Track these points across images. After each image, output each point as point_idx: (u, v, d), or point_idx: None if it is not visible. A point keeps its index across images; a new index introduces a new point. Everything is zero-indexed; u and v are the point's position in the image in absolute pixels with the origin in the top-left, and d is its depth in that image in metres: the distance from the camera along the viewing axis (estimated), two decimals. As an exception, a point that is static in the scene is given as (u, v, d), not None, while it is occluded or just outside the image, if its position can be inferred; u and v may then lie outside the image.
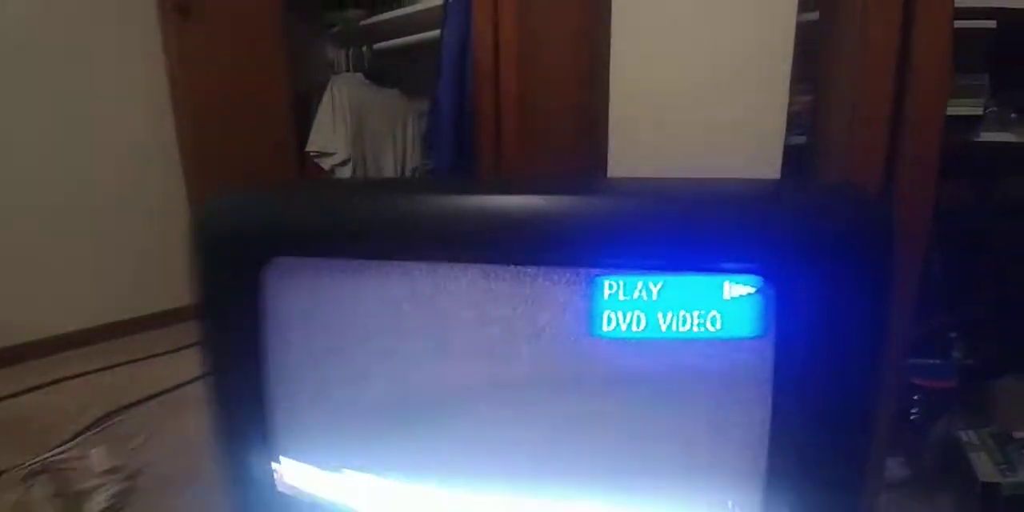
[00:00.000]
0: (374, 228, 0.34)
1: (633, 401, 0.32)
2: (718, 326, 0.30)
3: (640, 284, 0.30)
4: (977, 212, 0.98)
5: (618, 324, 0.31)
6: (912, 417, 0.86)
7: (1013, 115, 1.24)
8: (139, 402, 1.31)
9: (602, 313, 0.31)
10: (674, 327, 0.30)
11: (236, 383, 0.37)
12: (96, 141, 1.67)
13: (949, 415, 0.86)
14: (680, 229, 0.29)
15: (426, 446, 0.37)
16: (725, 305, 0.30)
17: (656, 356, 0.30)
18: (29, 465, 1.02)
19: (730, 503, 0.30)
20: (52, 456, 1.05)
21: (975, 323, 0.90)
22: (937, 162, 0.64)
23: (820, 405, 0.27)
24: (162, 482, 0.99)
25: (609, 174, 0.89)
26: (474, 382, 0.35)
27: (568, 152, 1.05)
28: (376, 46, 2.16)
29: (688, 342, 0.30)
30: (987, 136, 1.23)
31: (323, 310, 0.35)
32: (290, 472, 0.40)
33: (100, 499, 0.91)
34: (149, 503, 0.93)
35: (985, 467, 0.82)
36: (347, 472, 0.38)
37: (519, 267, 0.31)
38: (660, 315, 0.30)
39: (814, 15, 1.00)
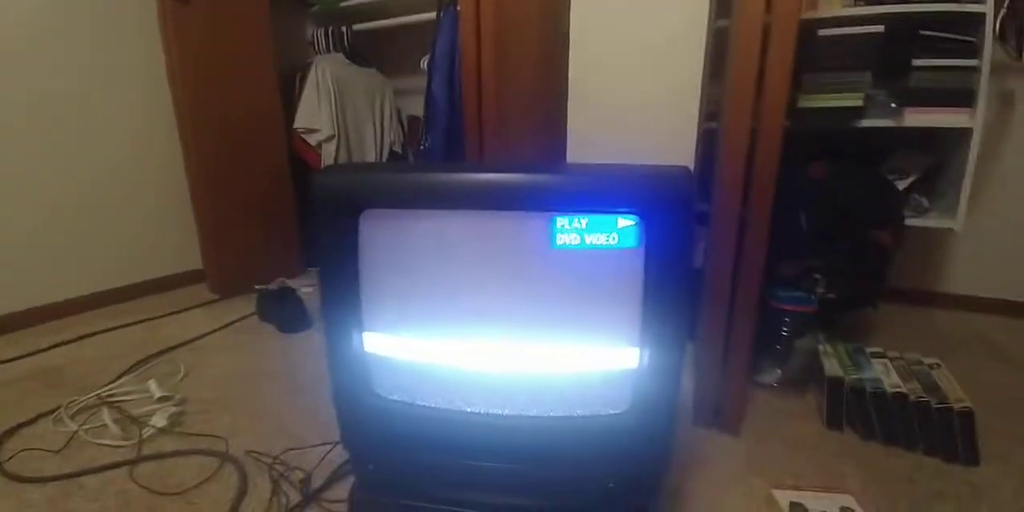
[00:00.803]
0: (423, 190, 0.59)
1: (573, 281, 0.59)
2: (615, 241, 0.57)
3: (576, 220, 0.57)
4: (841, 182, 1.28)
5: (565, 241, 0.57)
6: (783, 334, 1.16)
7: (892, 105, 1.54)
8: (168, 350, 1.51)
9: (556, 235, 0.57)
10: (594, 242, 0.57)
11: (340, 285, 0.62)
12: (105, 115, 1.80)
13: (811, 333, 1.17)
14: (596, 192, 0.56)
15: (454, 315, 0.63)
16: (619, 231, 0.56)
17: (585, 258, 0.58)
18: (84, 400, 1.22)
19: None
20: (103, 392, 1.25)
21: (834, 268, 1.20)
22: (778, 149, 0.90)
23: (665, 276, 0.55)
24: (207, 407, 1.20)
25: (567, 155, 1.14)
26: (486, 275, 0.61)
27: (532, 134, 1.30)
28: (355, 27, 2.28)
29: (601, 250, 0.57)
30: (869, 122, 1.53)
31: (394, 241, 0.61)
32: (372, 340, 0.66)
33: (159, 419, 1.12)
34: (199, 423, 1.14)
35: (834, 368, 1.12)
36: (404, 336, 0.64)
37: (512, 212, 0.57)
38: (587, 236, 0.57)
39: (725, 22, 1.24)
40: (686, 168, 0.56)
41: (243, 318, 1.75)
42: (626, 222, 0.56)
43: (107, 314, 1.79)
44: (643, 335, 0.59)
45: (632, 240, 0.57)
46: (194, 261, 2.07)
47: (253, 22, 1.97)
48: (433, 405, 0.67)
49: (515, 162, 0.74)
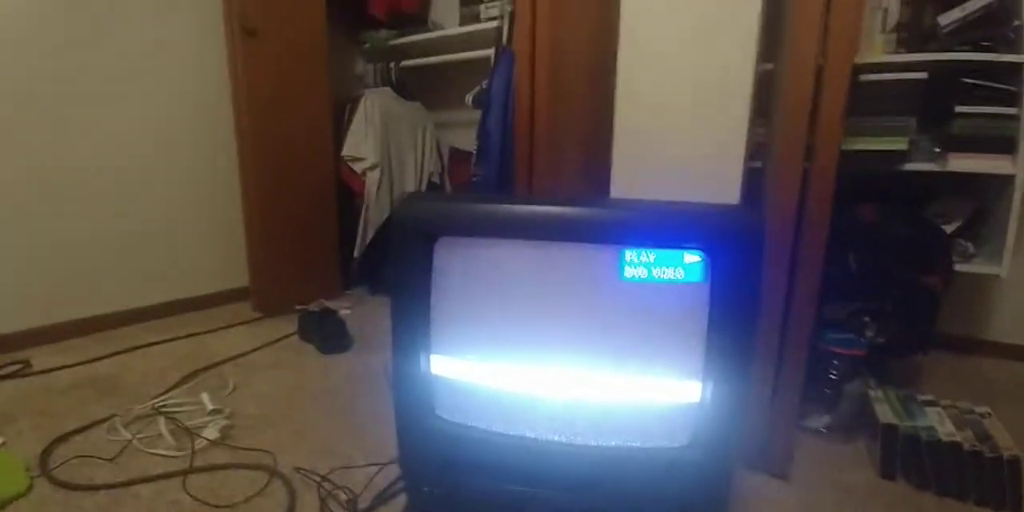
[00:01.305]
0: (497, 220, 0.63)
1: (639, 313, 0.61)
2: (682, 276, 0.59)
3: (644, 254, 0.59)
4: (890, 225, 1.28)
5: (633, 274, 0.60)
6: (832, 377, 1.15)
7: (936, 150, 1.55)
8: (216, 364, 1.56)
9: (624, 268, 0.60)
10: (661, 276, 0.59)
11: (411, 308, 0.65)
12: (170, 138, 1.91)
13: (861, 377, 1.16)
14: (663, 228, 0.59)
15: (520, 342, 0.66)
16: (686, 266, 0.59)
17: (652, 291, 0.60)
18: (140, 407, 1.27)
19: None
20: (157, 402, 1.30)
21: (884, 311, 1.19)
22: (831, 190, 0.92)
23: (730, 313, 0.57)
24: (254, 422, 1.24)
25: (612, 190, 1.18)
26: (554, 304, 0.64)
27: (579, 170, 1.34)
28: (402, 64, 2.41)
29: (668, 284, 0.59)
30: (913, 166, 1.54)
31: (467, 267, 0.65)
32: (437, 362, 0.68)
33: (211, 432, 1.16)
34: (248, 437, 1.17)
35: (887, 415, 1.10)
36: (470, 360, 0.67)
37: (584, 244, 0.60)
38: (654, 270, 0.59)
39: (770, 66, 1.29)
40: (756, 208, 0.58)
41: (285, 337, 1.80)
42: (692, 258, 0.58)
43: (156, 327, 1.86)
44: (706, 370, 0.61)
45: (698, 275, 0.59)
46: (238, 280, 2.14)
47: (312, 57, 2.10)
48: (494, 429, 0.69)
49: (584, 196, 0.78)
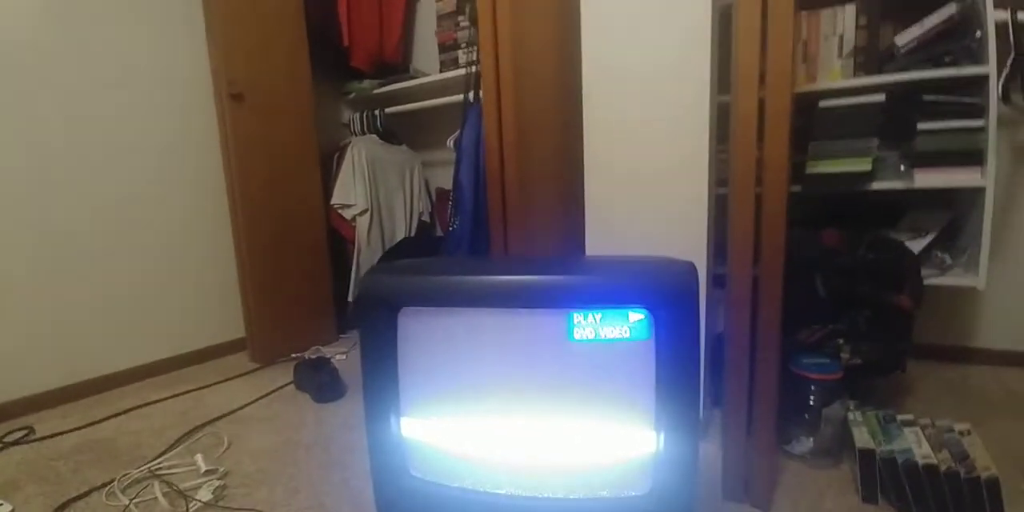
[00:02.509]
0: (452, 292, 0.66)
1: (591, 370, 0.64)
2: (628, 334, 0.62)
3: (590, 315, 0.63)
4: (855, 249, 1.32)
5: (582, 335, 0.63)
6: (811, 403, 1.16)
7: (902, 167, 1.59)
8: (212, 421, 1.58)
9: (573, 329, 0.63)
10: (607, 335, 0.63)
11: (381, 374, 0.69)
12: (160, 192, 1.98)
13: (839, 401, 1.17)
14: (608, 290, 0.62)
15: (482, 403, 0.68)
16: (631, 324, 0.62)
17: (600, 349, 0.63)
18: (137, 471, 1.29)
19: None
20: (153, 465, 1.31)
21: (856, 332, 1.22)
22: (783, 212, 0.95)
23: (676, 365, 0.60)
24: (247, 480, 1.25)
25: (587, 239, 1.22)
26: (511, 366, 0.67)
27: (553, 211, 1.40)
28: (387, 110, 2.50)
29: (614, 342, 0.63)
30: (880, 185, 1.58)
31: (428, 335, 0.68)
32: (408, 424, 0.71)
33: (206, 493, 1.17)
34: (240, 496, 1.19)
35: (864, 439, 1.11)
36: (438, 421, 0.70)
37: (532, 309, 0.64)
38: (601, 330, 0.63)
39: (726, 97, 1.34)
40: (691, 264, 0.62)
41: (280, 387, 1.82)
42: (637, 316, 0.62)
43: (153, 385, 1.89)
44: (658, 420, 0.64)
45: (643, 332, 0.63)
46: (234, 331, 2.18)
47: (299, 112, 2.18)
48: (465, 486, 0.71)
49: (535, 261, 0.82)
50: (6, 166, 1.63)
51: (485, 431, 0.70)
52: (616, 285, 0.62)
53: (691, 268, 0.62)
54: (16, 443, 1.49)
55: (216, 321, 2.16)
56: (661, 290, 0.60)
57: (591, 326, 0.62)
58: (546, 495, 0.68)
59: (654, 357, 0.61)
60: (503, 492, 0.69)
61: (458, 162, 1.52)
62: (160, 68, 1.95)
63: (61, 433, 1.54)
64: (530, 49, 1.34)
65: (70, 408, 1.72)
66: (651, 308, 0.61)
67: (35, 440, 1.51)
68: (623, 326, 0.62)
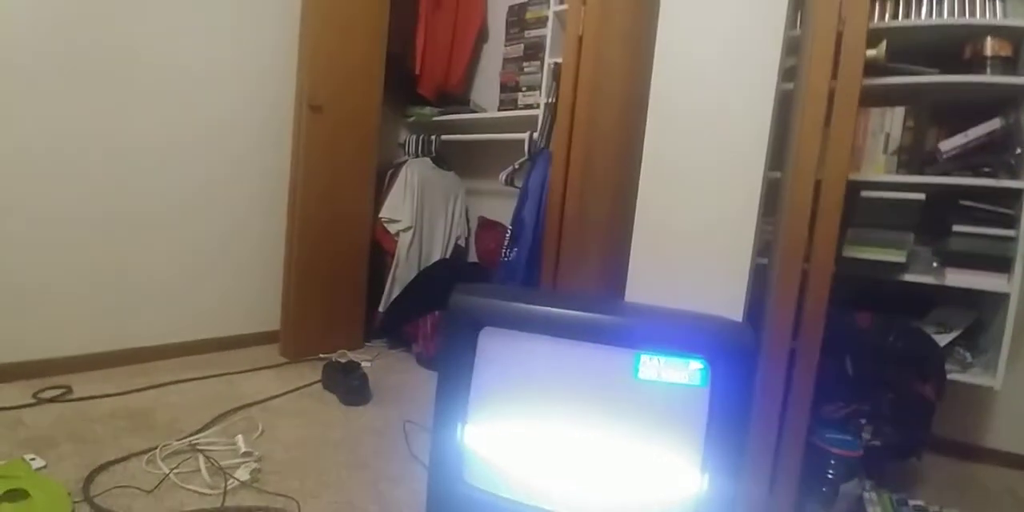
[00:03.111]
0: (533, 319, 0.76)
1: (650, 408, 0.72)
2: (686, 379, 0.71)
3: (656, 358, 0.71)
4: (886, 334, 1.39)
5: (646, 375, 0.72)
6: (829, 476, 1.21)
7: (935, 264, 1.67)
8: (245, 406, 1.65)
9: (639, 368, 0.72)
10: (669, 378, 0.71)
11: (455, 384, 0.77)
12: (228, 192, 2.13)
13: (857, 477, 1.22)
14: (675, 338, 0.71)
15: (544, 424, 0.76)
16: (691, 371, 0.71)
17: (661, 389, 0.71)
18: (177, 442, 1.36)
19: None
20: (193, 439, 1.39)
21: (879, 415, 1.27)
22: (827, 288, 1.03)
23: (727, 413, 0.68)
24: (280, 468, 1.31)
25: (628, 288, 1.31)
26: (576, 393, 0.75)
27: (599, 267, 1.50)
28: (443, 137, 2.66)
29: (675, 385, 0.71)
30: (912, 277, 1.66)
31: (505, 355, 0.77)
32: (471, 434, 0.80)
33: (243, 473, 1.24)
34: (274, 482, 1.25)
35: (877, 518, 1.16)
36: (500, 435, 0.78)
37: (605, 345, 0.73)
38: (664, 372, 0.71)
39: (777, 174, 1.44)
40: (749, 325, 0.71)
41: (309, 385, 1.90)
42: (697, 364, 0.71)
43: (189, 364, 1.98)
44: (704, 462, 0.71)
45: (700, 380, 0.71)
46: (268, 324, 2.28)
47: (365, 129, 2.34)
48: (515, 498, 0.78)
49: (611, 302, 0.91)
50: (93, 146, 1.78)
51: (543, 450, 0.77)
52: (683, 334, 0.71)
53: (749, 329, 0.70)
54: (53, 400, 1.56)
55: (254, 311, 2.27)
56: (723, 344, 0.69)
57: (655, 368, 0.71)
58: (589, 517, 0.75)
59: (707, 404, 0.69)
60: (548, 508, 0.76)
61: (522, 200, 1.64)
62: (250, 72, 2.13)
63: (99, 396, 1.62)
64: (602, 105, 1.48)
65: (108, 373, 1.80)
66: (711, 360, 0.69)
67: (73, 400, 1.59)
68: (684, 372, 0.70)
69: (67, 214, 1.76)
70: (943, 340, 1.61)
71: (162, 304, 2.00)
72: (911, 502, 1.22)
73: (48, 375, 1.71)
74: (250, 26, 2.12)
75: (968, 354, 1.65)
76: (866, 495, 1.22)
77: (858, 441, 1.25)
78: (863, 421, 1.29)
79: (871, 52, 1.52)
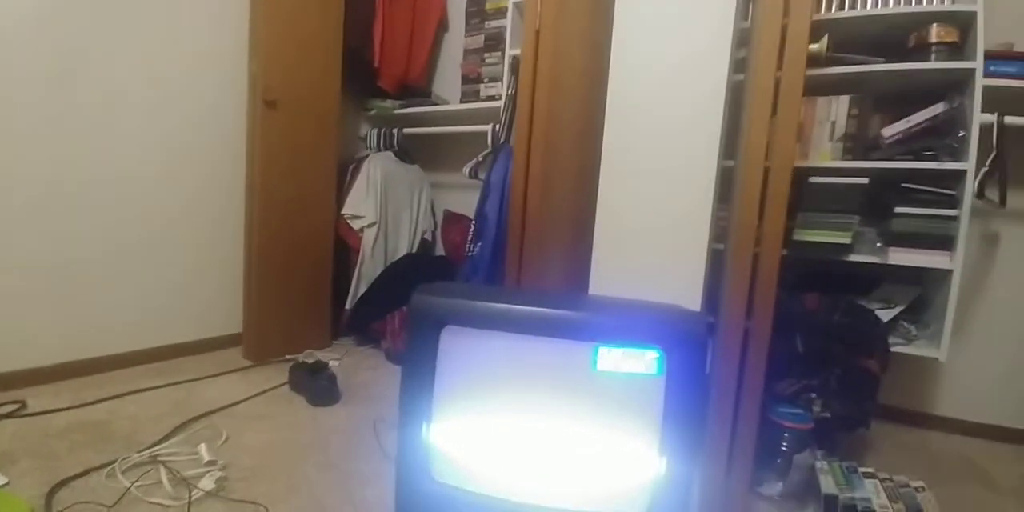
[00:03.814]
0: (493, 317, 0.77)
1: (609, 398, 0.74)
2: (644, 369, 0.73)
3: (614, 350, 0.73)
4: (831, 313, 1.46)
5: (605, 366, 0.74)
6: (783, 448, 1.27)
7: (878, 244, 1.75)
8: (207, 414, 1.62)
9: (597, 361, 0.74)
10: (627, 369, 0.73)
11: (418, 383, 0.78)
12: (178, 192, 2.06)
13: (809, 449, 1.29)
14: (631, 330, 0.73)
15: (507, 417, 0.78)
16: (647, 361, 0.73)
17: (619, 380, 0.73)
18: (137, 455, 1.32)
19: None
20: (154, 451, 1.35)
21: (828, 389, 1.34)
22: (776, 271, 1.07)
23: (682, 399, 0.70)
24: (246, 474, 1.30)
25: (592, 278, 1.34)
26: (538, 387, 0.77)
27: (562, 261, 1.52)
28: (405, 131, 2.63)
29: (633, 375, 0.73)
30: (857, 258, 1.73)
31: (466, 352, 0.78)
32: (437, 431, 0.80)
33: (207, 483, 1.22)
34: (241, 489, 1.23)
35: (829, 486, 1.22)
36: (464, 431, 0.79)
37: (564, 340, 0.74)
38: (622, 363, 0.73)
39: (731, 162, 1.48)
40: (702, 314, 0.74)
41: (275, 387, 1.87)
42: (652, 354, 0.73)
43: (148, 371, 1.92)
44: (661, 447, 0.74)
45: (656, 369, 0.73)
46: (230, 327, 2.22)
47: (324, 123, 2.29)
48: (481, 491, 0.80)
49: (568, 297, 0.92)
50: (26, 139, 1.68)
51: (507, 444, 0.79)
52: (639, 326, 0.73)
53: (701, 318, 0.73)
54: (9, 415, 1.51)
55: (214, 315, 2.21)
56: (676, 334, 0.71)
57: (614, 359, 0.73)
58: (556, 505, 0.77)
59: (663, 392, 0.72)
60: (515, 500, 0.78)
61: (484, 195, 1.64)
62: (200, 64, 2.05)
63: (54, 410, 1.56)
64: (561, 99, 1.48)
65: (63, 386, 1.74)
66: (666, 349, 0.71)
67: (28, 415, 1.53)
68: (640, 362, 0.72)
69: (10, 216, 1.67)
70: (888, 315, 1.70)
71: (116, 311, 1.93)
72: (860, 469, 1.29)
73: (1, 390, 1.64)
74: (198, 20, 2.03)
75: (913, 327, 1.74)
76: (818, 464, 1.29)
77: (809, 415, 1.32)
78: (813, 395, 1.35)
79: (814, 46, 1.56)
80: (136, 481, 1.21)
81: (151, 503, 1.15)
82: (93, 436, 1.44)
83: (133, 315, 1.98)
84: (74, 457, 1.31)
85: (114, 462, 1.28)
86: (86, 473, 1.25)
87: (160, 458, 1.32)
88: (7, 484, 1.18)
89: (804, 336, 1.35)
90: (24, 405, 1.58)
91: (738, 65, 1.38)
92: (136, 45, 1.88)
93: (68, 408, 1.59)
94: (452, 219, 2.70)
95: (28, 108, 1.67)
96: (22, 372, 1.71)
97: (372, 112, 2.68)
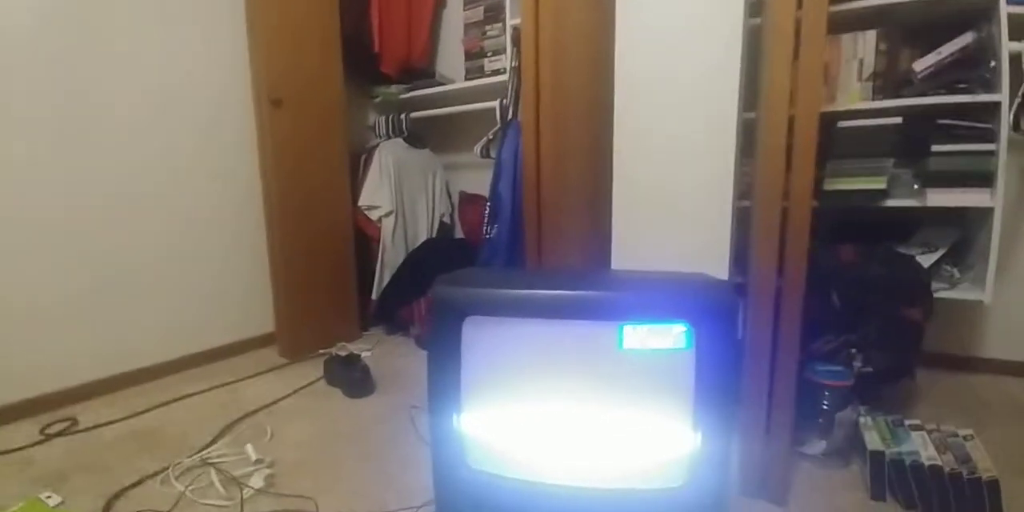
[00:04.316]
0: (514, 304, 0.75)
1: (637, 375, 0.72)
2: (671, 344, 0.70)
3: (639, 327, 0.71)
4: (868, 264, 1.39)
5: (631, 345, 0.71)
6: (824, 407, 1.24)
7: (915, 186, 1.66)
8: (251, 413, 1.66)
9: (623, 339, 0.71)
10: (654, 345, 0.71)
11: (445, 375, 0.77)
12: (195, 199, 2.07)
13: (852, 405, 1.25)
14: (655, 306, 0.70)
15: (538, 402, 0.76)
16: (675, 336, 0.70)
17: (647, 356, 0.71)
18: (188, 459, 1.37)
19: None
20: (203, 454, 1.39)
21: (868, 342, 1.29)
22: (807, 225, 1.02)
23: (714, 371, 0.68)
24: (293, 469, 1.33)
25: (613, 252, 1.29)
26: (566, 370, 0.75)
27: (583, 235, 1.48)
28: (412, 115, 2.58)
29: (660, 350, 0.71)
30: (894, 202, 1.65)
31: (490, 341, 0.76)
32: (467, 420, 0.80)
33: (257, 480, 1.25)
34: (289, 484, 1.26)
35: (874, 441, 1.19)
36: (495, 418, 0.78)
37: (588, 321, 0.72)
38: (647, 340, 0.71)
39: (752, 114, 1.41)
40: (728, 283, 0.70)
41: (312, 382, 1.91)
42: (680, 329, 0.70)
43: (190, 377, 1.97)
44: (696, 421, 0.72)
45: (685, 343, 0.70)
46: (262, 327, 2.27)
47: (332, 117, 2.26)
48: (517, 476, 0.79)
49: (588, 276, 0.89)
50: (44, 158, 1.69)
51: (539, 427, 0.78)
52: (663, 302, 0.70)
53: (729, 287, 0.69)
54: (60, 434, 1.55)
55: (247, 317, 2.25)
56: (703, 307, 0.68)
57: (640, 337, 0.70)
58: (593, 485, 0.76)
59: (694, 365, 0.69)
60: (551, 482, 0.77)
61: (497, 174, 1.60)
62: (200, 70, 2.03)
63: (105, 424, 1.60)
64: (567, 67, 1.42)
65: (110, 399, 1.79)
66: (694, 323, 0.69)
67: (79, 431, 1.57)
68: (668, 337, 0.70)
69: (37, 239, 1.70)
70: (929, 260, 1.62)
71: (153, 322, 1.98)
72: (907, 422, 1.25)
73: (51, 409, 1.69)
74: (196, 22, 2.00)
75: (955, 270, 1.66)
76: (862, 420, 1.26)
77: (849, 371, 1.27)
78: (853, 351, 1.31)
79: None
80: (190, 485, 1.25)
81: (206, 504, 1.19)
82: (144, 444, 1.49)
83: (171, 325, 2.02)
84: (127, 467, 1.35)
85: (167, 468, 1.32)
86: (141, 482, 1.29)
87: (210, 461, 1.36)
88: (62, 503, 1.20)
89: (840, 291, 1.30)
90: (75, 422, 1.63)
91: (754, 8, 1.29)
92: (132, 58, 1.87)
93: (118, 420, 1.64)
94: (469, 200, 2.67)
95: (34, 130, 1.68)
96: (69, 390, 1.76)
97: (378, 99, 2.64)
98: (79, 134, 1.76)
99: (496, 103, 2.11)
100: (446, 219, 2.77)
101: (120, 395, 1.83)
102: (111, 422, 1.62)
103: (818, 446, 1.25)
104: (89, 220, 1.81)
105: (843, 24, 1.64)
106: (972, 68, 1.55)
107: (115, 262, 1.87)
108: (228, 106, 2.11)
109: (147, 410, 1.71)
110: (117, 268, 1.88)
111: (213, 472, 1.29)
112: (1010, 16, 1.43)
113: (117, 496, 1.22)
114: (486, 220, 1.66)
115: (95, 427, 1.59)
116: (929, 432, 1.18)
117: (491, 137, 2.16)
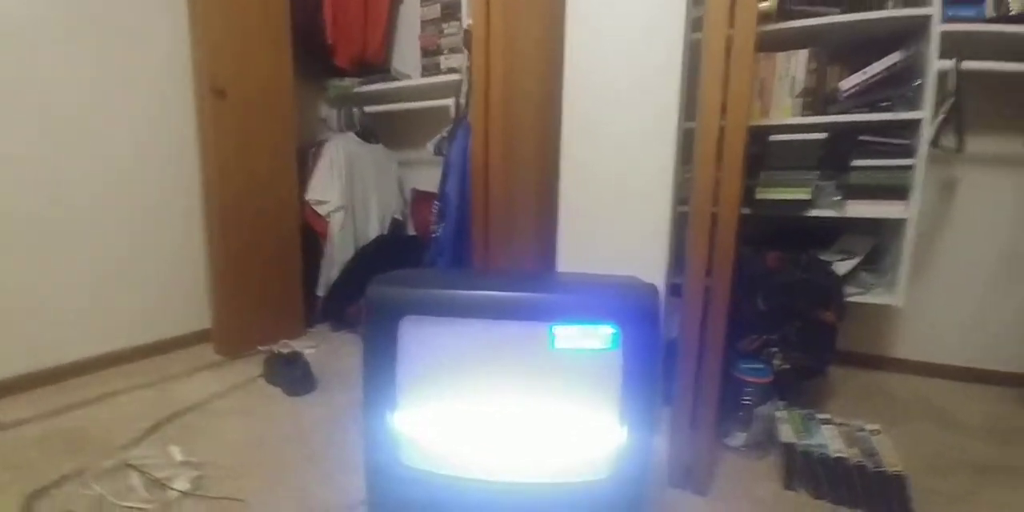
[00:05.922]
0: (449, 304, 0.76)
1: (568, 373, 0.75)
2: (600, 344, 0.74)
3: (570, 328, 0.74)
4: (790, 270, 1.49)
5: (561, 345, 0.74)
6: (746, 402, 1.33)
7: (837, 197, 1.78)
8: (183, 412, 1.60)
9: (554, 339, 0.74)
10: (584, 345, 0.74)
11: (380, 374, 0.78)
12: (132, 180, 1.97)
13: (770, 401, 1.34)
14: (585, 306, 0.74)
15: (470, 400, 0.78)
16: (603, 336, 0.74)
17: (577, 356, 0.74)
18: (110, 461, 1.31)
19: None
20: (126, 455, 1.34)
21: (787, 342, 1.39)
22: (735, 229, 1.08)
23: (639, 369, 0.72)
24: (226, 471, 1.29)
25: (559, 235, 1.33)
26: (498, 368, 0.78)
27: (531, 236, 1.51)
28: (366, 109, 2.55)
29: (589, 350, 0.74)
30: (817, 212, 1.76)
31: (426, 340, 0.78)
32: (402, 418, 0.81)
33: (183, 483, 1.22)
34: (220, 486, 1.23)
35: (788, 434, 1.28)
36: (429, 416, 0.80)
37: (520, 321, 0.75)
38: (578, 340, 0.74)
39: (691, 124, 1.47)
40: (654, 286, 0.75)
41: (250, 380, 1.86)
42: (608, 330, 0.74)
43: (120, 374, 1.88)
44: (622, 415, 0.76)
45: (612, 343, 0.74)
46: (199, 323, 2.19)
47: (279, 109, 2.20)
48: (449, 473, 0.81)
49: (521, 278, 0.92)
50: None
51: (472, 426, 0.80)
52: (592, 304, 0.74)
53: (654, 290, 0.74)
54: (-19, 430, 1.47)
55: (182, 312, 2.17)
56: (629, 309, 0.72)
57: (570, 337, 0.73)
58: (523, 480, 0.79)
59: (621, 364, 0.73)
60: (482, 478, 0.80)
61: (445, 174, 1.61)
62: (138, 60, 1.94)
63: (27, 421, 1.53)
64: (518, 71, 1.45)
65: (34, 395, 1.70)
66: (620, 324, 0.72)
67: (1, 427, 1.49)
68: (596, 338, 0.73)
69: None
70: (847, 266, 1.74)
71: (81, 315, 1.88)
72: (819, 416, 1.35)
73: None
74: (133, 11, 1.90)
75: (870, 277, 1.80)
76: (778, 414, 1.35)
77: (769, 369, 1.37)
78: (774, 349, 1.40)
79: (764, 4, 1.54)
80: (110, 487, 1.20)
81: (126, 507, 1.14)
82: (68, 443, 1.42)
83: (101, 319, 1.93)
84: (50, 466, 1.29)
85: (87, 470, 1.26)
86: (60, 482, 1.23)
87: (131, 462, 1.30)
88: (-20, 498, 1.15)
89: (766, 294, 1.39)
90: (-5, 418, 1.54)
91: (696, 24, 1.36)
92: (64, 51, 1.76)
93: (41, 417, 1.55)
94: (421, 198, 2.66)
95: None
96: (-11, 385, 1.65)
97: (331, 92, 2.59)
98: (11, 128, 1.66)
99: (451, 101, 2.11)
100: (399, 216, 2.75)
101: (45, 391, 1.73)
102: (34, 419, 1.54)
103: (739, 438, 1.33)
104: (16, 209, 1.70)
105: (778, 43, 1.74)
106: (896, 86, 1.67)
107: (40, 252, 1.77)
108: (172, 97, 2.02)
109: (72, 408, 1.62)
110: (42, 259, 1.77)
111: (134, 475, 1.24)
112: (941, 34, 1.52)
113: (36, 496, 1.17)
114: (434, 219, 1.67)
115: (18, 424, 1.51)
116: (838, 426, 1.28)
117: (445, 135, 2.16)
